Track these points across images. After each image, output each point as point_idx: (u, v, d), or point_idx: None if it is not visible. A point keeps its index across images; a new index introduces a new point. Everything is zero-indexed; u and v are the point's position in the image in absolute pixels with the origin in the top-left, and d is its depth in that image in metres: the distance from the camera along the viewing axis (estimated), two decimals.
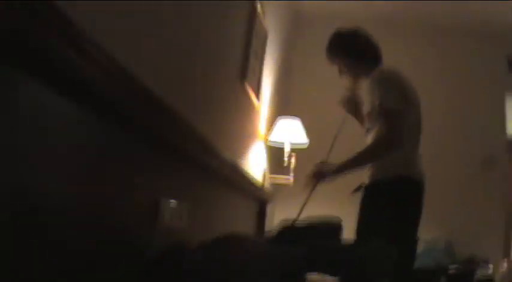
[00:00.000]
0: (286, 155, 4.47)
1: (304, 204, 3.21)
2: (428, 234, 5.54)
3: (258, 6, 3.48)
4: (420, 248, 5.39)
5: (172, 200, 1.83)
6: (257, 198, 3.81)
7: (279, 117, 4.55)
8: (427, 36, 6.34)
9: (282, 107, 5.16)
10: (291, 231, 1.75)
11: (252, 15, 3.38)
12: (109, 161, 1.39)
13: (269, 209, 4.22)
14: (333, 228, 1.75)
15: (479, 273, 5.07)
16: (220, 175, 2.52)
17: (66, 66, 1.08)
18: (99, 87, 1.21)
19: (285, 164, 4.52)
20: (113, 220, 1.43)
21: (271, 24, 4.12)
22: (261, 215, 4.04)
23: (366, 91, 2.97)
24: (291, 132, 4.41)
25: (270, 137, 4.42)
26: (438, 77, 6.20)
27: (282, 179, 4.60)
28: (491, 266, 5.20)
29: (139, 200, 1.61)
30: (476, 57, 6.31)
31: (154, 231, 1.72)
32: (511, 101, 6.36)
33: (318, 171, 2.97)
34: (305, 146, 4.48)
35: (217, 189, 2.56)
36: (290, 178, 4.66)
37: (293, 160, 4.65)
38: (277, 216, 4.92)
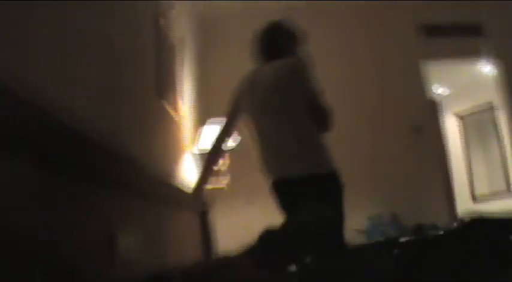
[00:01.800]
0: None
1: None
2: (372, 210, 5.73)
3: (161, 20, 3.49)
4: (367, 225, 5.60)
5: (125, 233, 1.83)
6: (196, 210, 3.86)
7: (204, 125, 4.60)
8: (343, 7, 6.44)
9: (205, 114, 5.23)
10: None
11: (157, 30, 3.38)
12: (58, 205, 1.39)
13: (211, 216, 4.28)
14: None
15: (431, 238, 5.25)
16: (160, 197, 2.55)
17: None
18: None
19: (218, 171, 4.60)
20: (70, 258, 1.42)
21: (181, 32, 4.18)
22: (205, 225, 4.09)
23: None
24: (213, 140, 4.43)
25: (198, 146, 4.48)
26: (357, 50, 6.38)
27: (216, 186, 4.68)
28: (441, 231, 5.38)
29: (94, 237, 1.62)
30: (393, 24, 6.52)
31: (113, 266, 1.72)
32: (426, 65, 6.63)
33: None
34: (235, 147, 4.55)
35: (159, 212, 2.58)
36: (224, 183, 4.75)
37: (223, 166, 4.72)
38: (220, 222, 5.00)
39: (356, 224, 5.40)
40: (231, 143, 3.96)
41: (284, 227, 1.83)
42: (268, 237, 1.66)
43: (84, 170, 1.57)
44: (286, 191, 3.04)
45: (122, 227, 1.84)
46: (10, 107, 1.15)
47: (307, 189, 2.90)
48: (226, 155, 4.48)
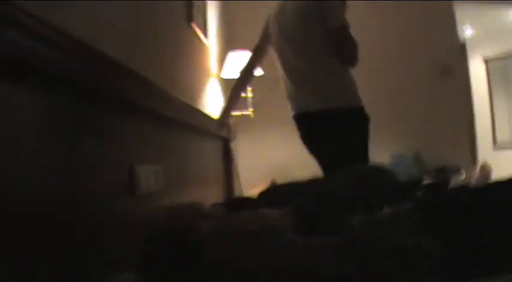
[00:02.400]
0: None
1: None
2: (395, 148, 5.74)
3: None
4: (389, 164, 5.60)
5: (146, 166, 1.83)
6: (220, 137, 3.88)
7: (229, 52, 4.59)
8: None
9: (231, 41, 5.19)
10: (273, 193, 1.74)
11: None
12: (76, 135, 1.36)
13: (233, 144, 4.31)
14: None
15: (453, 181, 5.26)
16: (183, 123, 2.55)
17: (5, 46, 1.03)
18: (43, 62, 1.17)
19: (245, 97, 4.61)
20: (90, 192, 1.41)
21: None
22: (226, 152, 4.12)
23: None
24: (243, 66, 4.42)
25: (223, 73, 4.47)
26: None
27: (241, 114, 4.70)
28: (463, 172, 5.39)
29: (115, 169, 1.60)
30: None
31: (133, 198, 1.72)
32: (457, 7, 6.49)
33: None
34: (260, 76, 4.52)
35: (182, 138, 2.59)
36: (249, 111, 4.79)
37: (249, 93, 4.73)
38: (241, 150, 5.02)
39: (379, 160, 5.43)
40: (259, 70, 3.95)
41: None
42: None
43: (103, 94, 1.53)
44: (308, 124, 3.04)
45: (144, 156, 1.85)
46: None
47: (329, 123, 2.90)
48: (254, 82, 4.48)
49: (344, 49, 2.87)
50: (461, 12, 6.66)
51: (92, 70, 1.42)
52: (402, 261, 1.08)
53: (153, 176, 1.90)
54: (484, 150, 8.39)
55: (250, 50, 3.38)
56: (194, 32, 3.39)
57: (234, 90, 3.40)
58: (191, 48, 3.40)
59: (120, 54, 1.67)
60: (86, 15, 1.57)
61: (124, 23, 1.96)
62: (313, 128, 3.00)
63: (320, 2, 2.86)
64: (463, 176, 5.31)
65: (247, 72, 3.36)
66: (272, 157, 5.35)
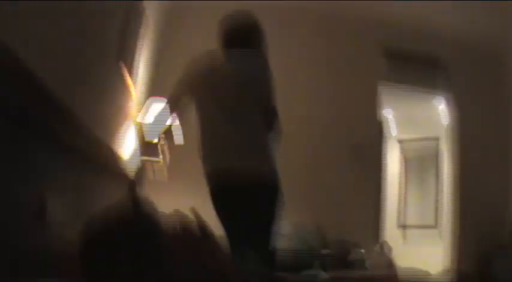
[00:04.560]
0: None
1: None
2: (297, 217, 5.87)
3: None
4: (289, 230, 5.73)
5: (58, 197, 1.86)
6: (127, 179, 3.90)
7: (149, 98, 4.67)
8: (307, 24, 6.61)
9: (153, 87, 5.29)
10: None
11: None
12: None
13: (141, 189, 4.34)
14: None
15: (351, 256, 5.43)
16: (96, 159, 2.59)
17: None
18: None
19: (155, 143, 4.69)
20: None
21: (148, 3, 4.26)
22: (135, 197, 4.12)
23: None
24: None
25: (140, 118, 4.54)
26: (315, 63, 6.53)
27: (152, 160, 4.77)
28: (362, 250, 5.58)
29: (24, 198, 1.60)
30: (353, 45, 6.71)
31: (41, 228, 1.72)
32: (381, 88, 6.85)
33: None
34: (174, 127, 4.59)
35: (92, 175, 2.62)
36: (159, 158, 4.83)
37: (162, 140, 4.80)
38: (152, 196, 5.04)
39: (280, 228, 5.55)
40: (172, 120, 4.03)
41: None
42: None
43: (20, 122, 1.54)
44: (221, 183, 3.06)
45: (55, 188, 1.86)
46: None
47: (244, 184, 2.95)
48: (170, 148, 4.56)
49: (272, 120, 3.09)
50: (383, 94, 7.00)
51: (21, 97, 1.46)
52: None
53: (65, 207, 1.93)
54: (390, 230, 8.65)
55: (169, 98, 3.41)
56: (121, 72, 3.46)
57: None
58: (115, 87, 3.46)
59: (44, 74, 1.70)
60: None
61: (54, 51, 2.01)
62: (229, 187, 3.03)
63: (259, 74, 3.09)
64: (362, 252, 5.49)
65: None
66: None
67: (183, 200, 5.40)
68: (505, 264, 5.61)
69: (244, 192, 2.93)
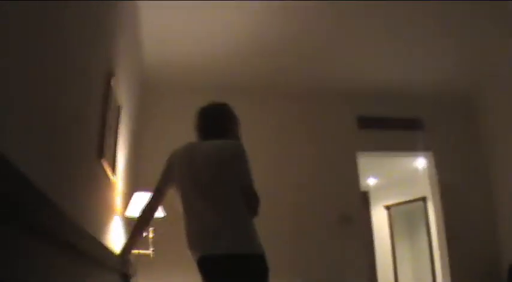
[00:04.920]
0: None
1: None
2: None
3: (112, 80, 3.70)
4: None
5: None
6: (120, 272, 3.92)
7: (134, 191, 4.78)
8: (281, 99, 6.88)
9: (135, 181, 5.39)
10: None
11: (107, 90, 3.58)
12: None
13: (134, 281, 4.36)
14: None
15: None
16: (86, 254, 2.62)
17: None
18: None
19: (146, 237, 4.75)
20: None
21: (123, 96, 4.41)
22: None
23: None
24: (143, 206, 4.57)
25: (128, 212, 4.64)
26: (293, 138, 6.69)
27: (143, 252, 4.84)
28: None
29: None
30: (329, 116, 6.91)
31: None
32: (361, 157, 6.99)
33: None
34: (162, 218, 4.71)
35: (84, 270, 2.64)
36: (150, 251, 4.91)
37: (151, 234, 4.90)
38: None
39: None
40: (160, 211, 4.13)
41: None
42: None
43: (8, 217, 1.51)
44: (211, 268, 3.14)
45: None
46: None
47: (232, 268, 3.05)
48: (155, 223, 4.61)
49: (250, 202, 3.19)
50: (364, 163, 7.14)
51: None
52: None
53: None
54: None
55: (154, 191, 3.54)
56: (103, 168, 3.55)
57: (134, 228, 3.51)
58: (99, 184, 3.54)
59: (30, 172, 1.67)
60: None
61: (35, 142, 2.07)
62: (218, 272, 3.10)
63: (236, 158, 3.26)
64: None
65: (146, 213, 3.48)
66: None
67: None
68: None
69: (234, 262, 3.06)
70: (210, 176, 3.23)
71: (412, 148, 7.28)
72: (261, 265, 3.12)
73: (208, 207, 3.17)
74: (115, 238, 4.07)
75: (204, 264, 3.17)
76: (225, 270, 3.07)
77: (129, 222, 4.55)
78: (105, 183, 3.74)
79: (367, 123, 7.14)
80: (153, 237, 4.92)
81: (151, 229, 4.86)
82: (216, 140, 3.39)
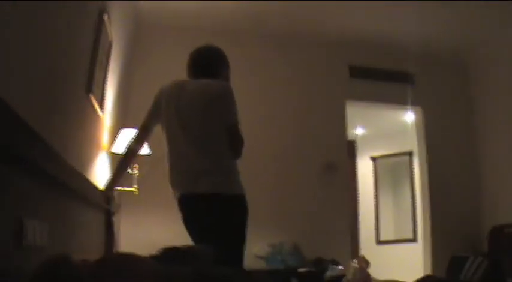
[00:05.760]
0: None
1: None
2: (274, 238, 5.98)
3: (105, 16, 3.67)
4: (267, 252, 5.84)
5: (35, 220, 1.87)
6: (103, 208, 3.96)
7: (121, 128, 4.78)
8: (272, 45, 6.82)
9: (124, 117, 5.38)
10: (173, 253, 1.88)
11: (99, 25, 3.56)
12: None
13: (116, 219, 4.40)
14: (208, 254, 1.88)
15: (329, 273, 5.53)
16: (71, 188, 2.65)
17: None
18: None
19: (130, 174, 4.78)
20: None
21: (115, 33, 4.37)
22: (108, 225, 4.20)
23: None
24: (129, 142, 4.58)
25: (114, 148, 4.65)
26: (281, 85, 6.67)
27: (127, 189, 4.89)
28: (340, 267, 5.68)
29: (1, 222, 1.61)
30: (319, 64, 6.87)
31: (18, 251, 1.73)
32: (350, 106, 6.99)
33: None
34: (148, 155, 4.73)
35: (68, 203, 2.67)
36: (134, 188, 4.97)
37: (136, 171, 4.92)
38: (124, 224, 5.11)
39: (257, 250, 5.66)
40: (145, 148, 4.13)
41: None
42: None
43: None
44: (192, 206, 3.23)
45: (32, 213, 1.90)
46: None
47: (212, 207, 3.13)
48: (139, 160, 4.64)
49: (234, 143, 3.22)
50: (353, 112, 7.15)
51: None
52: None
53: (40, 231, 1.96)
54: (367, 246, 8.79)
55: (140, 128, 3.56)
56: (91, 103, 3.54)
57: (119, 164, 3.59)
58: (86, 119, 3.53)
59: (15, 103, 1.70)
60: None
61: (22, 74, 2.07)
62: (199, 211, 3.18)
63: (222, 98, 3.25)
64: (340, 268, 5.60)
65: (132, 149, 3.54)
66: (154, 235, 5.46)
67: (156, 228, 5.51)
68: (473, 269, 5.71)
69: (215, 201, 3.14)
70: (194, 115, 3.27)
71: (401, 101, 7.28)
72: (241, 205, 3.21)
73: (192, 146, 3.22)
74: (100, 174, 4.08)
75: (185, 203, 3.25)
76: (205, 209, 3.14)
77: (114, 158, 4.56)
78: (92, 119, 3.73)
79: (359, 72, 7.12)
80: (137, 174, 4.95)
81: (136, 166, 4.88)
82: (205, 80, 3.40)
